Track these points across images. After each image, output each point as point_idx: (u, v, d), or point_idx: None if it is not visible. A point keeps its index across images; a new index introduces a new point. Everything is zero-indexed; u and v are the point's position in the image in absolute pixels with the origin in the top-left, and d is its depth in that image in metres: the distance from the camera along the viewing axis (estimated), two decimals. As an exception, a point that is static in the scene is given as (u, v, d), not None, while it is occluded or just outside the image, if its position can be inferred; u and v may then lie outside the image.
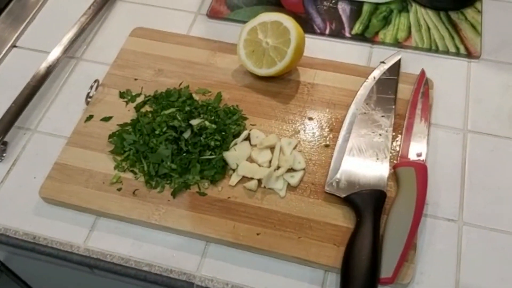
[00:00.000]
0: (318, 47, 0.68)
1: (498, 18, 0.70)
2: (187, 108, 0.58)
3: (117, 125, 0.60)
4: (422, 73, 0.62)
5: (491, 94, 0.63)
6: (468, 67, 0.65)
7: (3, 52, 0.70)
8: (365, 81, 0.62)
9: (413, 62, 0.65)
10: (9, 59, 0.70)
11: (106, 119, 0.61)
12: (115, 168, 0.57)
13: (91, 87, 0.63)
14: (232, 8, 0.73)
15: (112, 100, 0.63)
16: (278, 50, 0.60)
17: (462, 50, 0.66)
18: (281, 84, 0.63)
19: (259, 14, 0.70)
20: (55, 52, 0.67)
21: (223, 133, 0.57)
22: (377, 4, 0.72)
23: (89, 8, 0.72)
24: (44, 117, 0.64)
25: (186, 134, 0.56)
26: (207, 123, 0.57)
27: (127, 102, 0.62)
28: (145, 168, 0.55)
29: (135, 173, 0.56)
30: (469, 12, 0.70)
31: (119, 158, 0.57)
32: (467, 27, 0.68)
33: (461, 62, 0.66)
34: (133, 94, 0.63)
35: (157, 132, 0.56)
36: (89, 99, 0.63)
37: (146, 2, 0.76)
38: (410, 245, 0.49)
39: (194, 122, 0.57)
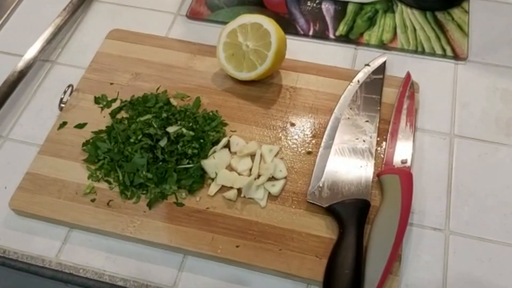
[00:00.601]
0: (302, 48, 0.66)
1: (485, 19, 0.68)
2: (164, 115, 0.56)
3: (92, 132, 0.57)
4: (408, 76, 0.60)
5: (478, 97, 0.61)
6: (454, 69, 0.64)
7: (-26, 56, 0.67)
8: (349, 84, 0.60)
9: (399, 64, 0.64)
10: (-20, 63, 0.67)
11: (80, 126, 0.58)
12: (88, 177, 0.54)
13: (65, 92, 0.61)
14: (213, 8, 0.71)
15: (87, 106, 0.60)
16: (259, 53, 0.58)
17: (449, 51, 0.65)
18: (263, 88, 0.61)
19: (240, 14, 0.69)
20: (28, 55, 0.64)
21: (201, 141, 0.55)
22: (362, 4, 0.70)
23: (64, 9, 0.69)
24: (17, 124, 0.61)
25: (163, 142, 0.54)
26: (184, 130, 0.54)
27: (102, 108, 0.60)
28: (120, 177, 0.53)
29: (109, 183, 0.54)
30: (456, 13, 0.68)
31: (93, 167, 0.55)
32: (454, 28, 0.67)
33: (448, 64, 0.64)
34: (109, 99, 0.61)
35: (132, 140, 0.54)
36: (62, 105, 0.60)
37: (123, 3, 0.73)
38: (395, 257, 0.48)
39: (171, 129, 0.54)
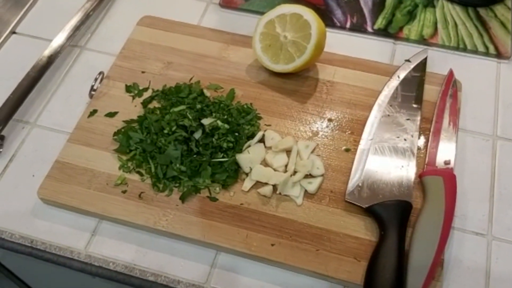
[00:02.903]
0: (338, 41, 0.64)
1: (530, 16, 0.65)
2: (198, 106, 0.54)
3: (123, 121, 0.56)
4: (451, 73, 0.58)
5: (522, 98, 0.59)
6: (497, 68, 0.61)
7: (1, 39, 0.66)
8: (388, 80, 0.58)
9: (440, 61, 0.61)
10: (7, 46, 0.66)
11: (111, 114, 0.57)
12: (120, 168, 0.53)
13: (96, 79, 0.59)
14: (247, -3, 0.69)
15: (118, 94, 0.59)
16: (297, 45, 0.56)
17: (492, 49, 0.62)
18: (298, 82, 0.59)
19: (275, 4, 0.66)
20: (58, 40, 0.62)
21: (236, 134, 0.53)
22: (401, -3, 0.68)
23: (94, -5, 0.68)
24: (44, 110, 0.60)
25: (197, 135, 0.52)
26: (219, 122, 0.53)
27: (133, 97, 0.58)
28: (152, 169, 0.52)
29: (141, 175, 0.52)
30: (499, 9, 0.66)
31: (124, 158, 0.53)
32: (497, 25, 0.64)
33: (491, 63, 0.62)
34: (140, 88, 0.59)
35: (166, 131, 0.52)
36: (93, 92, 0.59)
37: (154, -11, 0.71)
38: (438, 262, 0.46)
39: (206, 121, 0.53)
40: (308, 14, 0.56)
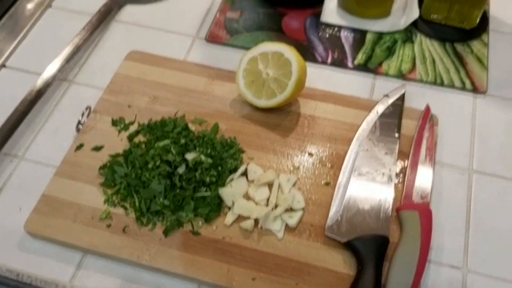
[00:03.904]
0: (320, 76, 0.66)
1: (505, 52, 0.68)
2: (183, 141, 0.56)
3: (109, 155, 0.57)
4: (427, 109, 0.60)
5: (497, 132, 0.61)
6: (473, 102, 0.63)
7: (-8, 73, 0.67)
8: (367, 115, 0.60)
9: (418, 96, 0.63)
10: (-2, 80, 0.67)
11: (97, 148, 0.58)
12: (105, 202, 0.54)
13: (83, 114, 0.61)
14: (232, 33, 0.71)
15: (104, 128, 0.60)
16: (279, 82, 0.58)
17: (468, 85, 0.64)
18: (281, 116, 0.61)
19: (259, 40, 0.69)
20: (47, 74, 0.64)
21: (219, 168, 0.54)
22: (381, 33, 0.70)
23: (83, 28, 0.70)
24: (33, 144, 0.61)
25: (181, 169, 0.53)
26: (202, 157, 0.54)
27: (119, 131, 0.60)
28: (137, 203, 0.53)
29: (125, 208, 0.53)
30: (476, 45, 0.68)
31: (109, 192, 0.54)
32: (473, 61, 0.67)
33: (467, 97, 0.64)
34: (127, 122, 0.60)
35: (150, 165, 0.54)
36: (80, 126, 0.60)
37: (142, 24, 0.73)
38: (414, 296, 0.47)
39: (190, 156, 0.54)
40: (289, 53, 0.58)
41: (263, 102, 0.59)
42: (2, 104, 0.63)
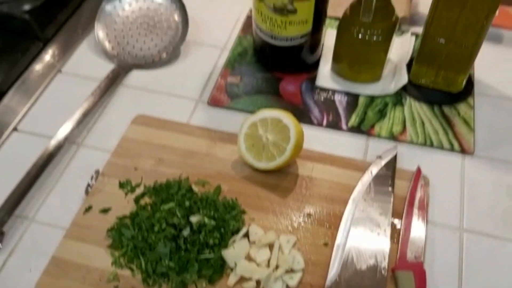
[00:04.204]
0: (316, 138, 0.70)
1: (490, 114, 0.72)
2: (187, 203, 0.59)
3: (116, 217, 0.60)
4: (418, 170, 0.63)
5: (485, 192, 0.64)
6: (462, 163, 0.67)
7: (4, 136, 0.70)
8: (362, 176, 0.63)
9: (409, 157, 0.67)
10: (9, 143, 0.70)
11: (105, 210, 0.61)
12: (112, 264, 0.56)
13: (92, 177, 0.64)
14: (232, 96, 0.75)
15: (112, 191, 0.63)
16: (278, 146, 0.62)
17: (456, 146, 0.68)
18: (280, 177, 0.64)
19: (258, 103, 0.73)
20: (57, 138, 0.68)
21: (222, 230, 0.57)
22: (373, 97, 0.74)
23: (92, 93, 0.74)
24: (43, 206, 0.63)
25: (186, 232, 0.56)
26: (206, 219, 0.57)
27: (126, 193, 0.63)
28: (143, 265, 0.55)
29: (132, 270, 0.56)
30: (462, 107, 0.73)
31: (117, 254, 0.57)
32: (460, 123, 0.71)
33: (456, 158, 0.68)
34: (133, 184, 0.63)
35: (156, 228, 0.56)
36: (89, 189, 0.63)
37: (148, 88, 0.78)
38: None
39: (194, 219, 0.57)
40: (287, 119, 0.62)
41: (263, 165, 0.63)
42: (14, 167, 0.66)
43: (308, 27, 0.72)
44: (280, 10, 0.70)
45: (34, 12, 0.84)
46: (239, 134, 0.64)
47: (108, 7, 0.83)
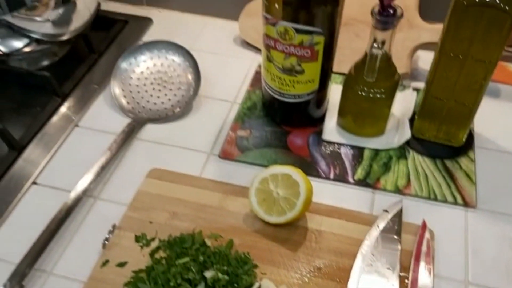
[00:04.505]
0: (323, 190, 0.72)
1: (490, 168, 0.75)
2: (201, 258, 0.61)
3: (132, 271, 0.62)
4: (424, 224, 0.66)
5: (488, 245, 0.66)
6: (465, 216, 0.69)
7: (24, 189, 0.73)
8: (370, 230, 0.65)
9: (414, 210, 0.69)
10: (29, 196, 0.73)
11: (121, 264, 0.63)
12: (128, 318, 0.58)
13: (109, 232, 0.66)
14: (242, 150, 0.78)
15: (128, 244, 0.65)
16: (288, 201, 0.64)
17: (459, 199, 0.71)
18: (290, 231, 0.66)
19: (267, 156, 0.76)
20: (75, 192, 0.70)
21: (235, 285, 0.59)
22: (377, 150, 0.77)
23: (109, 148, 0.77)
24: (61, 259, 0.65)
25: (200, 287, 0.58)
26: (219, 275, 0.59)
27: (142, 247, 0.65)
28: (159, 320, 0.57)
29: (148, 325, 0.57)
30: (463, 161, 0.76)
31: (133, 308, 0.59)
32: (462, 176, 0.73)
33: (459, 212, 0.70)
34: (148, 238, 0.66)
35: (171, 284, 0.58)
36: (105, 243, 0.65)
37: (161, 141, 0.81)
38: None
39: (208, 274, 0.59)
40: (297, 175, 0.65)
41: (274, 219, 0.65)
42: (33, 220, 0.68)
43: (315, 86, 0.76)
44: (289, 71, 0.74)
45: (52, 68, 0.89)
46: (250, 188, 0.67)
47: (123, 64, 0.87)
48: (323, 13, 0.68)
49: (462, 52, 0.67)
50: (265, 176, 0.67)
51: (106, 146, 0.78)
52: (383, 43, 0.70)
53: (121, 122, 0.82)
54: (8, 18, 0.83)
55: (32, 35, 0.86)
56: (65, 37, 0.88)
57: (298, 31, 0.68)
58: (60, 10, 0.85)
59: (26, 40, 0.87)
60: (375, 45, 0.70)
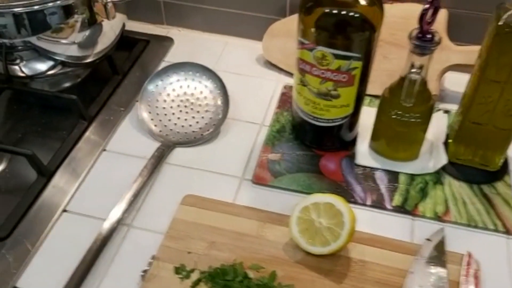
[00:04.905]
0: (361, 217, 0.70)
1: (528, 193, 0.74)
2: (246, 291, 0.59)
3: (175, 305, 0.60)
4: (469, 254, 0.65)
5: (534, 274, 0.65)
6: (507, 243, 0.68)
7: (55, 218, 0.71)
8: (414, 260, 0.64)
9: (455, 238, 0.68)
10: (60, 224, 0.71)
11: (163, 298, 0.61)
12: None
13: (149, 263, 0.64)
14: (275, 175, 0.77)
15: (167, 276, 0.63)
16: (332, 231, 0.63)
17: (500, 226, 0.70)
18: (333, 261, 0.65)
19: (300, 181, 0.75)
20: (110, 221, 0.69)
21: (283, 319, 0.57)
22: (413, 175, 0.77)
23: (140, 174, 0.75)
24: (97, 292, 0.64)
25: (249, 323, 0.56)
26: (267, 309, 0.57)
27: (182, 279, 0.63)
28: None
29: None
30: (500, 186, 0.75)
31: None
32: (501, 202, 0.73)
33: (501, 239, 0.69)
34: (188, 269, 0.64)
35: (218, 318, 0.57)
36: (144, 274, 0.64)
37: (191, 166, 0.79)
38: None
39: (256, 309, 0.57)
40: (340, 204, 0.64)
41: (317, 249, 0.64)
42: (66, 250, 0.67)
43: (350, 110, 0.75)
44: (324, 95, 0.73)
45: (74, 90, 0.87)
46: (291, 217, 0.65)
47: (150, 87, 0.86)
48: (362, 38, 0.68)
49: (503, 78, 0.66)
50: (307, 205, 0.65)
51: (135, 171, 0.76)
52: (421, 67, 0.70)
53: (149, 146, 0.81)
54: (33, 40, 0.81)
55: (57, 58, 0.84)
56: (90, 59, 0.87)
57: (336, 56, 0.68)
58: (86, 32, 0.83)
59: (50, 63, 0.85)
60: (414, 70, 0.70)
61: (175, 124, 0.84)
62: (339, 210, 0.63)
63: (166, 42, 1.03)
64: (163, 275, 0.64)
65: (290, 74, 0.93)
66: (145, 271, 0.64)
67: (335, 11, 0.67)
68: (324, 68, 0.69)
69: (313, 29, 0.68)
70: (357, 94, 0.73)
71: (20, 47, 0.82)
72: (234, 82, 0.92)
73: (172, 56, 1.00)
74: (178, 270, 0.64)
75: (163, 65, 0.97)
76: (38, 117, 0.87)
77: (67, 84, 0.92)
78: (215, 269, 0.63)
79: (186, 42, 1.04)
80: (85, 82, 0.93)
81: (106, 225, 0.68)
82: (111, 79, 0.93)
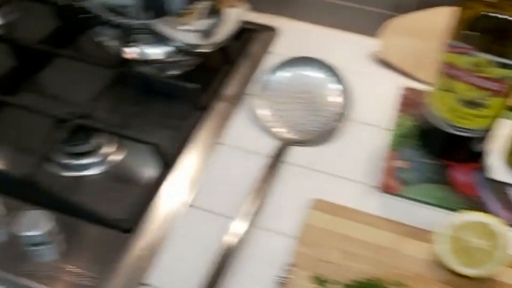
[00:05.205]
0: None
1: None
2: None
3: (318, 318, 0.57)
4: None
5: None
6: None
7: (182, 212, 0.69)
8: None
9: None
10: (186, 219, 0.68)
11: (304, 309, 0.58)
12: None
13: (287, 270, 0.61)
14: (404, 183, 0.73)
15: (305, 285, 0.60)
16: (486, 252, 0.59)
17: None
18: (483, 284, 0.60)
19: (431, 193, 0.71)
20: (238, 222, 0.66)
21: None
22: (553, 193, 0.71)
23: (260, 172, 0.72)
24: (233, 298, 0.61)
25: None
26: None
27: (319, 289, 0.60)
28: None
29: None
30: None
31: None
32: None
33: None
34: (325, 279, 0.61)
35: None
36: (281, 280, 0.60)
37: (309, 167, 0.75)
38: None
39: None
40: (496, 225, 0.59)
41: (469, 271, 0.60)
42: (194, 247, 0.64)
43: (494, 121, 0.70)
44: (470, 104, 0.68)
45: (183, 78, 0.84)
46: (438, 235, 0.61)
47: (266, 80, 0.82)
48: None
49: None
50: (457, 222, 0.61)
51: (253, 167, 0.73)
52: None
53: (264, 142, 0.77)
54: (154, 23, 0.78)
55: (175, 44, 0.81)
56: (207, 49, 0.83)
57: (498, 64, 0.62)
58: (207, 21, 0.79)
59: (167, 49, 0.82)
60: None
61: (292, 121, 0.80)
62: (493, 231, 0.59)
63: (272, 32, 0.99)
64: (300, 283, 0.60)
65: (407, 75, 0.88)
66: (282, 277, 0.61)
67: (503, 15, 0.62)
68: (482, 76, 0.64)
69: (472, 32, 0.63)
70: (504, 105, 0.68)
71: (137, 30, 0.80)
72: (348, 80, 0.88)
73: (280, 48, 0.95)
74: (320, 282, 0.60)
75: (270, 57, 0.93)
76: (148, 104, 0.84)
77: (174, 72, 0.89)
78: (355, 281, 0.60)
79: (293, 34, 0.99)
80: (194, 70, 0.89)
81: (236, 225, 0.65)
82: (221, 69, 0.89)
